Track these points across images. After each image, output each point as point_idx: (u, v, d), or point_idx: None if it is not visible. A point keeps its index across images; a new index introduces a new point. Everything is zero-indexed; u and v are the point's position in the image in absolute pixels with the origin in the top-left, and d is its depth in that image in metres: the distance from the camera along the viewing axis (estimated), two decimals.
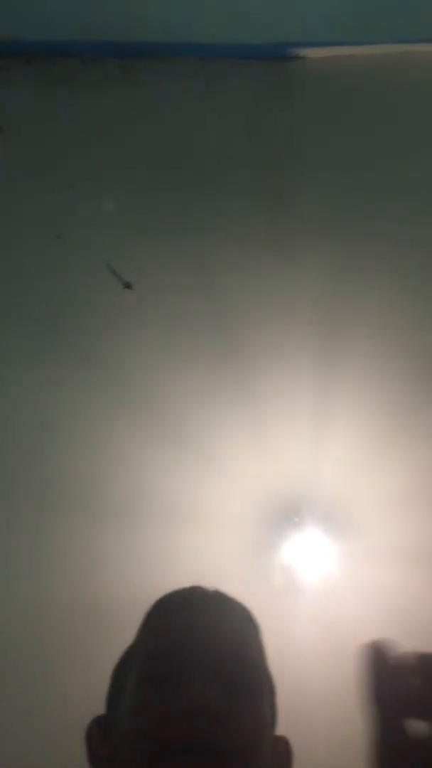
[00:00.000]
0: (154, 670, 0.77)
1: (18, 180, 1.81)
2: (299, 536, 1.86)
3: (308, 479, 1.82)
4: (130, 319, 1.80)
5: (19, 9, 1.82)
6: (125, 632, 0.89)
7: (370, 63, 1.79)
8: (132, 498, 1.79)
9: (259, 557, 1.83)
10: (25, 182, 1.81)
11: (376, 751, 0.57)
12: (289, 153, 1.79)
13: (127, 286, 1.79)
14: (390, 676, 0.60)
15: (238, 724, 0.73)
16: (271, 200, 1.79)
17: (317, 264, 1.78)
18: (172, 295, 1.79)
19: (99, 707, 0.87)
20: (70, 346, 1.79)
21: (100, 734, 0.81)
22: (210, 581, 0.90)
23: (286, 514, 1.84)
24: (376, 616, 1.75)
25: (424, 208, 1.80)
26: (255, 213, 1.79)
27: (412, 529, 1.82)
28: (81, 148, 1.83)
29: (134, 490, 1.79)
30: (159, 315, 1.80)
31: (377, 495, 1.84)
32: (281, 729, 0.87)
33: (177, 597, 0.87)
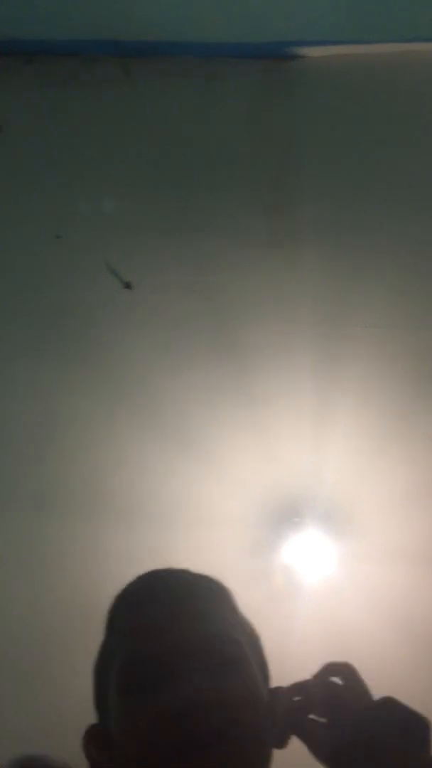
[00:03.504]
0: (134, 678, 0.75)
1: (18, 180, 1.81)
2: (299, 536, 1.85)
3: (308, 479, 1.82)
4: (130, 319, 1.79)
5: (19, 8, 1.81)
6: None
7: (369, 62, 1.78)
8: (132, 498, 1.78)
9: (259, 557, 1.83)
10: (25, 182, 1.81)
11: None
12: (289, 152, 1.79)
13: (127, 286, 1.78)
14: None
15: (233, 708, 0.73)
16: (271, 199, 1.78)
17: (317, 263, 1.78)
18: (172, 295, 1.79)
19: None
20: (70, 346, 1.79)
21: (97, 744, 0.80)
22: None
23: (286, 514, 1.84)
24: (376, 616, 1.75)
25: (425, 207, 1.80)
26: (255, 212, 1.79)
27: (412, 529, 1.82)
28: (81, 148, 1.83)
29: (134, 490, 1.79)
30: (159, 315, 1.79)
31: (377, 495, 1.84)
32: None
33: (138, 588, 0.85)
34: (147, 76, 1.82)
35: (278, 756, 0.79)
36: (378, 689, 0.79)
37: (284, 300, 1.79)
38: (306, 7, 1.73)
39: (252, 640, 0.84)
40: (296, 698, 0.78)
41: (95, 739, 0.81)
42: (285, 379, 1.79)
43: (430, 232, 1.79)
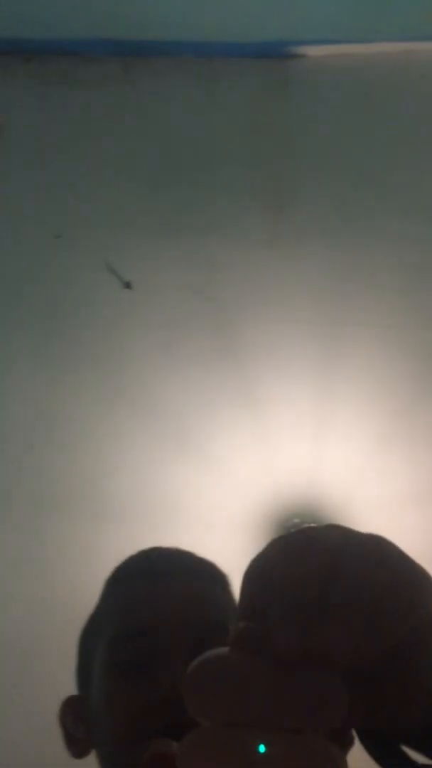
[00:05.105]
0: (125, 656, 0.73)
1: (18, 180, 1.80)
2: None
3: (308, 479, 1.82)
4: (130, 319, 1.79)
5: (19, 7, 1.81)
6: None
7: (370, 61, 1.77)
8: (132, 498, 1.79)
9: None
10: (25, 182, 1.80)
11: None
12: (289, 152, 1.78)
13: (127, 286, 1.78)
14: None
15: None
16: (271, 199, 1.78)
17: (318, 264, 1.77)
18: (172, 295, 1.78)
19: None
20: (70, 346, 1.79)
21: (74, 715, 0.80)
22: None
23: (286, 515, 1.84)
24: None
25: (425, 206, 1.79)
26: (255, 212, 1.78)
27: (413, 530, 1.81)
28: (80, 148, 1.82)
29: (134, 490, 1.79)
30: (159, 315, 1.79)
31: (377, 495, 1.83)
32: None
33: (136, 563, 0.84)
34: (147, 76, 1.82)
35: None
36: None
37: (284, 300, 1.79)
38: (307, 6, 1.72)
39: None
40: None
41: (72, 710, 0.80)
42: (285, 379, 1.79)
43: (430, 231, 1.79)
